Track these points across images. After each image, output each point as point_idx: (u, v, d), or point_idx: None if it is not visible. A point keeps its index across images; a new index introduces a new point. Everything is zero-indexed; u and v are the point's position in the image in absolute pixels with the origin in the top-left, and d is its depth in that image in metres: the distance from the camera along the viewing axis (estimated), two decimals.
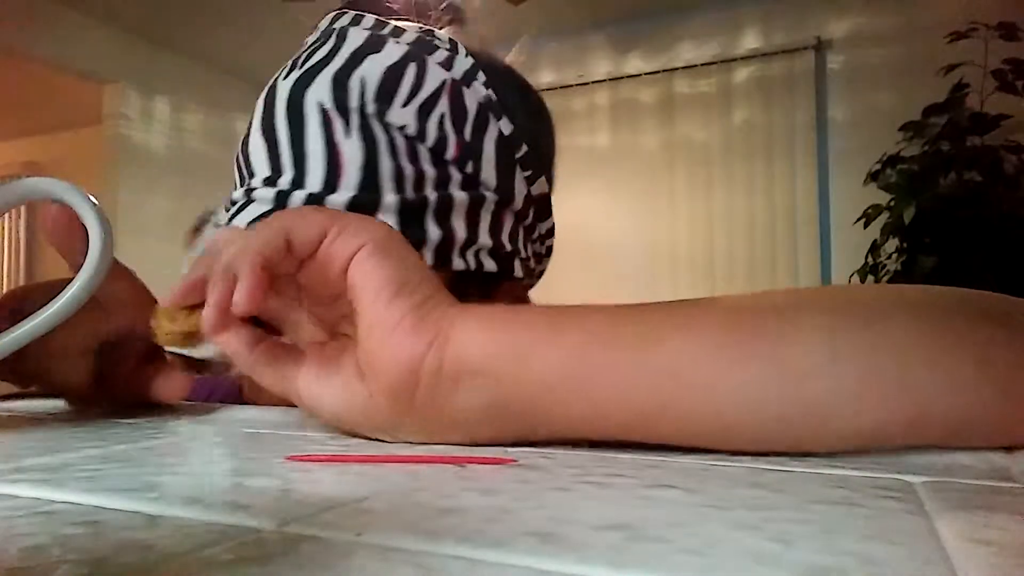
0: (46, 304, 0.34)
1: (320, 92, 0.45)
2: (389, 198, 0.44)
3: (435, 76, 0.47)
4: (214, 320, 0.29)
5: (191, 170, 3.81)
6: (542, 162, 0.53)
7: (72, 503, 0.19)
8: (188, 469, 0.24)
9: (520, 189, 0.50)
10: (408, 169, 0.45)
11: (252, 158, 0.46)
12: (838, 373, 0.25)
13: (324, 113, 0.45)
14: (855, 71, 3.09)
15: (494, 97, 0.49)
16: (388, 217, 0.44)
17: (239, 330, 0.32)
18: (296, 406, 0.33)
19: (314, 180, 0.44)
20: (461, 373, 0.28)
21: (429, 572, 0.14)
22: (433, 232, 0.45)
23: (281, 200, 0.44)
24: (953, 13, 2.67)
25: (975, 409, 0.25)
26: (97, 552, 0.15)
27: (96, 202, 0.35)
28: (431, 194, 0.46)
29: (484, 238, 0.48)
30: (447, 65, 0.48)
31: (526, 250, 0.53)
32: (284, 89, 0.46)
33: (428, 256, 0.45)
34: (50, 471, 0.23)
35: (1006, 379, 0.25)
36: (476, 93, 0.48)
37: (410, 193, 0.45)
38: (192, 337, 0.33)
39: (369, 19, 0.49)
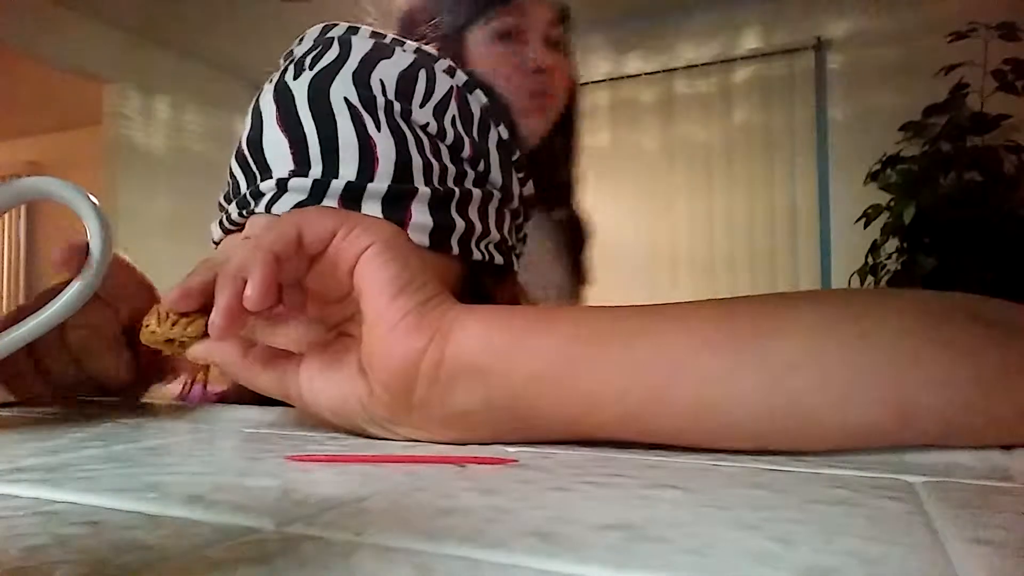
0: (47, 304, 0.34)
1: (344, 89, 0.46)
2: (422, 189, 0.45)
3: (443, 82, 0.49)
4: (222, 323, 0.28)
5: (191, 170, 3.81)
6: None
7: (72, 503, 0.19)
8: (188, 469, 0.24)
9: (515, 190, 0.53)
10: (434, 164, 0.46)
11: (269, 154, 0.46)
12: (824, 364, 0.26)
13: (352, 108, 0.45)
14: (855, 71, 3.09)
15: (490, 105, 0.51)
16: (421, 207, 0.45)
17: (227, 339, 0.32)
18: (288, 405, 0.33)
19: (349, 171, 0.44)
20: (459, 371, 0.29)
21: (429, 572, 0.14)
22: (458, 222, 0.47)
23: (317, 189, 0.44)
24: (953, 13, 2.67)
25: (964, 406, 0.25)
26: (97, 552, 0.15)
27: (96, 202, 0.35)
28: (454, 188, 0.47)
29: (494, 232, 0.50)
30: (451, 73, 0.50)
31: (517, 247, 0.55)
32: (301, 88, 0.46)
33: (454, 244, 0.46)
34: (50, 471, 0.23)
35: (994, 378, 0.25)
36: (478, 99, 0.51)
37: (437, 185, 0.46)
38: (172, 344, 0.33)
39: (367, 30, 0.50)
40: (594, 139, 3.44)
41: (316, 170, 0.44)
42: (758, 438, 0.27)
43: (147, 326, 0.33)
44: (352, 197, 0.44)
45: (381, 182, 0.44)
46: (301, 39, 0.51)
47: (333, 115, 0.45)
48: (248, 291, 0.28)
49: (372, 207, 0.44)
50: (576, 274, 1.10)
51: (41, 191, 0.36)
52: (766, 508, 0.19)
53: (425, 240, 0.45)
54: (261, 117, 0.47)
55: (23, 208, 4.36)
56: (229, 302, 0.28)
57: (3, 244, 4.76)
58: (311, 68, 0.47)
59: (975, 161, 2.53)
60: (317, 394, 0.31)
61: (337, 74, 0.46)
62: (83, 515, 0.18)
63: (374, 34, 0.49)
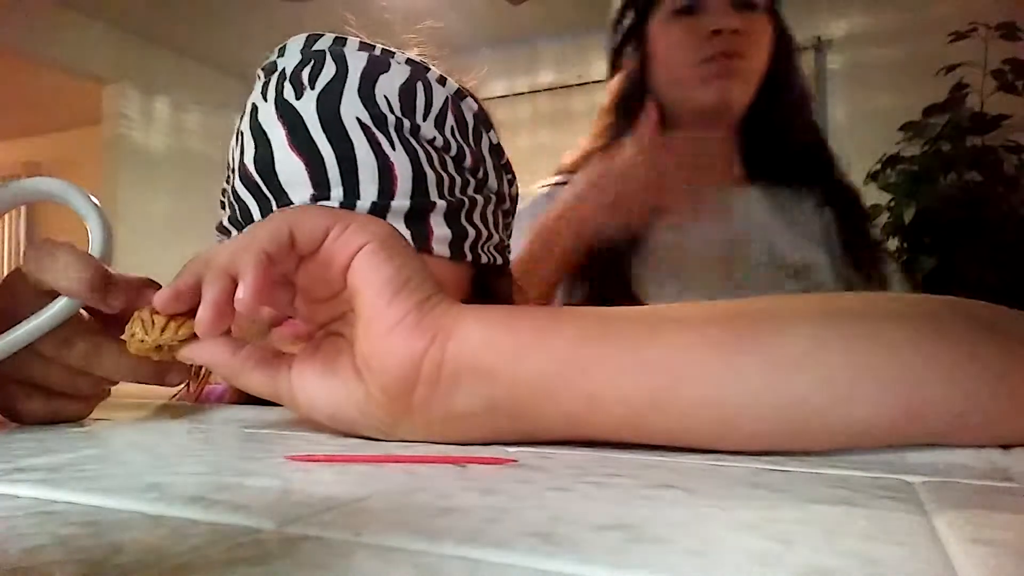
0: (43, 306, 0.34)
1: (354, 109, 0.46)
2: (439, 202, 0.46)
3: (439, 92, 0.50)
4: (210, 319, 0.28)
5: (191, 170, 3.81)
6: None
7: (72, 503, 0.19)
8: (188, 469, 0.24)
9: (505, 190, 0.54)
10: (444, 177, 0.48)
11: (283, 177, 0.45)
12: (829, 363, 0.26)
13: (366, 129, 0.45)
14: (855, 71, 3.08)
15: (480, 110, 0.53)
16: (439, 219, 0.47)
17: (218, 338, 0.31)
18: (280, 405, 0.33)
19: (370, 191, 0.44)
20: (460, 371, 0.28)
21: (429, 572, 0.14)
22: (469, 230, 0.48)
23: None
24: (953, 13, 2.67)
25: (968, 403, 0.25)
26: (97, 552, 0.15)
27: (96, 202, 0.35)
28: (463, 197, 0.49)
29: (495, 235, 0.52)
30: (442, 82, 0.50)
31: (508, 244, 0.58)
32: (308, 107, 0.46)
33: (467, 251, 0.48)
34: (50, 471, 0.23)
35: (998, 377, 0.26)
36: (469, 107, 0.52)
37: (449, 197, 0.48)
38: (162, 350, 0.32)
39: (354, 41, 0.49)
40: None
41: (337, 192, 0.44)
42: (763, 438, 0.26)
43: (133, 335, 0.32)
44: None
45: (402, 199, 0.45)
46: (282, 51, 0.51)
47: (348, 136, 0.45)
48: (240, 293, 0.28)
49: (396, 225, 0.44)
50: (858, 256, 0.88)
51: (41, 191, 0.36)
52: (766, 508, 0.19)
53: (446, 251, 0.45)
54: (267, 137, 0.47)
55: (23, 208, 4.36)
56: (216, 298, 0.28)
57: (3, 244, 4.76)
58: (312, 86, 0.46)
59: (975, 161, 2.53)
60: (311, 398, 0.31)
61: (342, 92, 0.46)
62: (83, 515, 0.18)
63: (363, 45, 0.49)
